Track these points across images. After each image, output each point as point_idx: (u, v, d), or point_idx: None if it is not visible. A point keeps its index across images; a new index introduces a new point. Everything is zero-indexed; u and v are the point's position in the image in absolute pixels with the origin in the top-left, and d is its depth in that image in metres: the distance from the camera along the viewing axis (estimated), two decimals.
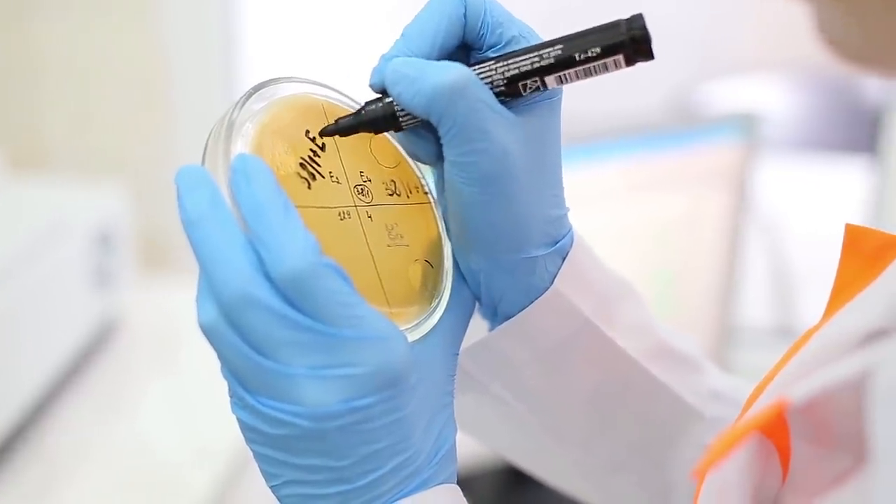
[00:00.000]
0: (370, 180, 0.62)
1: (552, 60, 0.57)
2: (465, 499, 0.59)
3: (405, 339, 0.55)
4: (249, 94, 0.60)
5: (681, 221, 1.59)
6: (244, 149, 0.58)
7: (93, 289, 1.54)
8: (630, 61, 0.57)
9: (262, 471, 0.56)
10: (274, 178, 0.54)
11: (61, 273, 1.47)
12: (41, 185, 1.64)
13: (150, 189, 1.79)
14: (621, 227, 1.52)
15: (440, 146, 0.59)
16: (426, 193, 0.65)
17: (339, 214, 0.59)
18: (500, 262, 0.61)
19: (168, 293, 1.72)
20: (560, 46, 0.57)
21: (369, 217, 0.61)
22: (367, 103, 0.61)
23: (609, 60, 0.57)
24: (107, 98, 1.81)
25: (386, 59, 0.59)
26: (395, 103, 0.59)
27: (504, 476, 1.66)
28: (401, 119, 0.60)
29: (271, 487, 0.56)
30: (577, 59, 0.57)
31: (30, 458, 1.38)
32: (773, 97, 2.78)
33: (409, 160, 0.65)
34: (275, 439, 0.54)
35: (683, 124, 1.62)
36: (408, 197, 0.64)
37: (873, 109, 2.62)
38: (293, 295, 0.52)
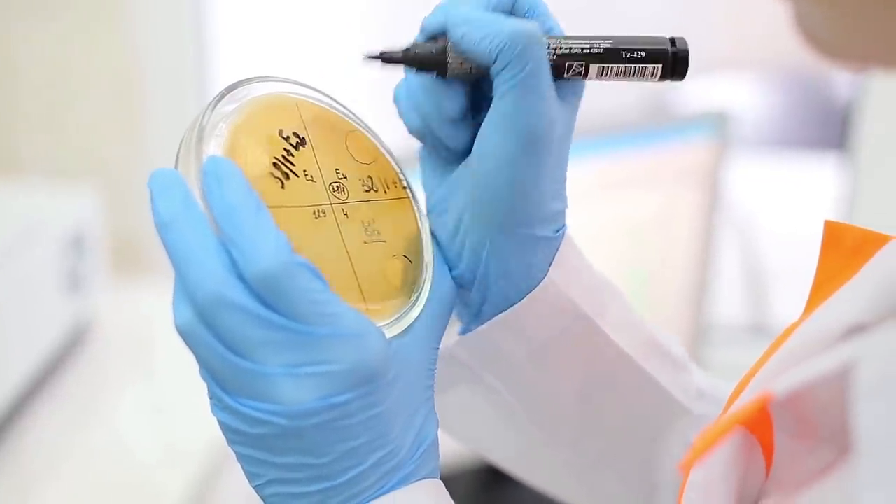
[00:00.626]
0: (346, 177, 0.62)
1: (601, 50, 0.60)
2: (447, 493, 0.59)
3: (381, 334, 0.55)
4: (222, 96, 0.60)
5: (655, 220, 1.60)
6: (217, 150, 0.58)
7: (66, 292, 1.54)
8: (665, 75, 0.60)
9: (244, 471, 0.56)
10: (245, 180, 0.54)
11: (34, 277, 1.46)
12: (13, 188, 1.63)
13: (123, 192, 1.78)
14: (596, 226, 1.53)
15: (468, 102, 0.61)
16: (405, 188, 0.65)
17: (314, 213, 0.59)
18: (511, 235, 0.61)
19: (141, 296, 1.71)
20: (611, 41, 0.60)
21: (345, 214, 0.61)
22: (418, 44, 0.61)
23: (648, 67, 0.60)
24: (80, 101, 1.80)
25: (442, 7, 0.60)
26: (448, 48, 0.60)
27: (483, 475, 1.67)
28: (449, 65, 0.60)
29: (255, 488, 0.56)
30: (623, 56, 0.60)
31: (4, 463, 1.37)
32: (745, 95, 2.79)
33: (387, 155, 0.65)
34: (255, 439, 0.54)
35: (657, 123, 1.62)
36: (385, 192, 0.64)
37: (844, 107, 2.64)
38: (266, 295, 0.52)
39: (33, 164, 1.83)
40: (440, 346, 0.65)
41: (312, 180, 0.60)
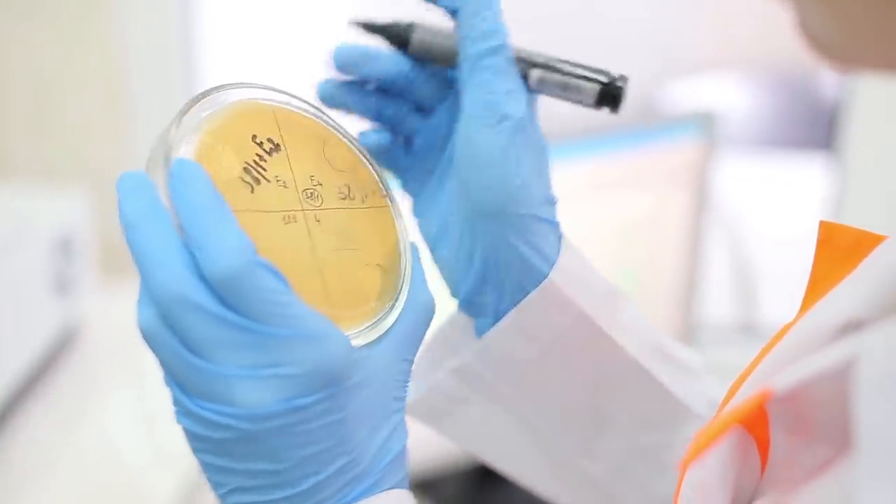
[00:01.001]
0: (321, 184, 0.62)
1: (545, 61, 0.65)
2: (415, 503, 0.59)
3: (343, 338, 0.55)
4: (196, 101, 0.60)
5: (643, 220, 1.60)
6: (188, 154, 0.58)
7: (54, 295, 1.53)
8: (600, 100, 0.65)
9: (209, 481, 0.56)
10: (210, 182, 0.54)
11: (22, 279, 1.46)
12: (1, 191, 1.62)
13: (111, 195, 1.76)
14: (585, 226, 1.53)
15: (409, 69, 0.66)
16: (384, 197, 0.65)
17: (284, 218, 0.59)
18: (516, 220, 0.63)
19: (130, 298, 1.69)
20: (559, 56, 0.65)
21: (317, 221, 0.61)
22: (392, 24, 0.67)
23: (585, 86, 0.65)
24: (68, 104, 1.80)
25: None
26: (419, 35, 0.66)
27: (471, 476, 1.67)
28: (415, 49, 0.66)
29: (219, 497, 0.56)
30: (564, 71, 0.65)
31: None
32: (733, 96, 2.80)
33: (368, 164, 0.66)
34: (216, 444, 0.54)
35: (645, 123, 1.62)
36: (363, 201, 0.64)
37: (831, 107, 2.65)
38: (226, 295, 0.52)
39: (21, 166, 1.83)
40: (457, 361, 0.68)
41: (284, 186, 0.60)
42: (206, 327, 0.52)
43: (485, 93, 0.61)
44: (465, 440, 0.73)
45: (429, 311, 0.62)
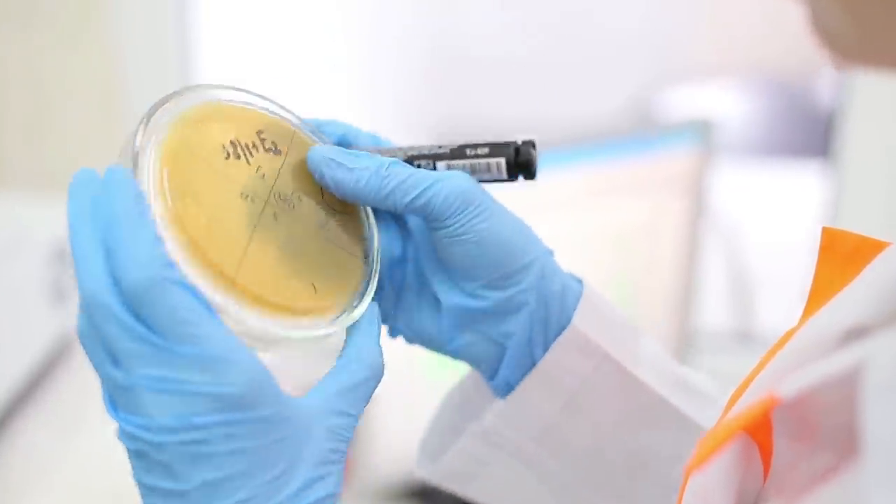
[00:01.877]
0: (301, 201, 0.62)
1: (447, 151, 0.65)
2: None
3: (251, 365, 0.54)
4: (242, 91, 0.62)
5: (640, 227, 1.60)
6: (188, 112, 0.59)
7: (51, 303, 1.53)
8: (511, 172, 0.65)
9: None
10: (132, 192, 0.54)
11: (20, 288, 1.46)
12: None
13: None
14: (582, 234, 1.53)
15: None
16: (364, 252, 0.64)
17: (243, 194, 0.59)
18: (534, 272, 0.64)
19: None
20: (460, 143, 0.65)
21: (275, 217, 0.60)
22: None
23: (492, 162, 0.64)
24: (63, 112, 1.80)
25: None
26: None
27: None
28: None
29: None
30: (467, 154, 0.65)
31: None
32: (729, 103, 2.80)
33: (370, 232, 0.66)
34: (137, 459, 0.54)
35: (642, 131, 1.62)
36: (336, 240, 0.63)
37: (827, 113, 2.65)
38: (137, 305, 0.52)
39: (18, 175, 1.83)
40: (482, 425, 0.68)
41: (262, 178, 0.60)
42: (119, 335, 0.52)
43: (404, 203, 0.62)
44: (493, 501, 0.72)
45: (376, 373, 0.61)
